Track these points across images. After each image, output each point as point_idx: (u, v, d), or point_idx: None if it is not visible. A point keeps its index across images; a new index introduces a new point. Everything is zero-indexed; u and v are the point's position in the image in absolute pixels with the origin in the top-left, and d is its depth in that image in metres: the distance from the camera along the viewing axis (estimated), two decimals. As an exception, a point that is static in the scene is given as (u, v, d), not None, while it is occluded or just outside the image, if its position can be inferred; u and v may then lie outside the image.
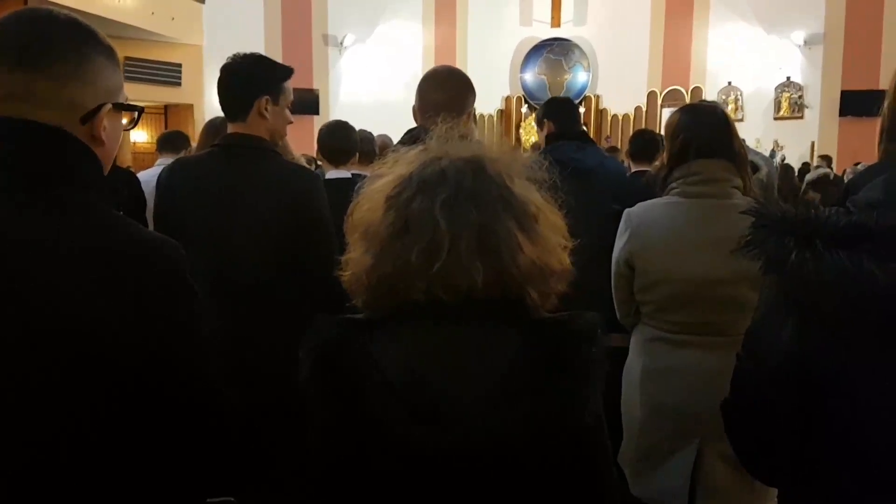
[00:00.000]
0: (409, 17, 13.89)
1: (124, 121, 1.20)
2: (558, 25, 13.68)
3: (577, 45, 13.67)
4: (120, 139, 1.19)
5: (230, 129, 2.28)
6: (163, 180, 2.32)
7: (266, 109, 2.22)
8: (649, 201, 2.17)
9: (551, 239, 1.04)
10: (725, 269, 1.94)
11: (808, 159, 11.77)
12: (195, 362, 1.12)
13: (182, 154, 3.87)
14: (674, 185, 2.11)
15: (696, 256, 2.02)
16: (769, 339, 1.01)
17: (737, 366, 1.13)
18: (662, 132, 2.48)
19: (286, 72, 2.32)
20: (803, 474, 1.01)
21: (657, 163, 4.16)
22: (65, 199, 1.04)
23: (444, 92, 2.18)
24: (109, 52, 1.13)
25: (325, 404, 1.03)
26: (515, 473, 0.98)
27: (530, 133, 13.22)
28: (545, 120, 3.25)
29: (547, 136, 3.19)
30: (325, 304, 2.27)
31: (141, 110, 1.25)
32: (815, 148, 12.30)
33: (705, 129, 2.10)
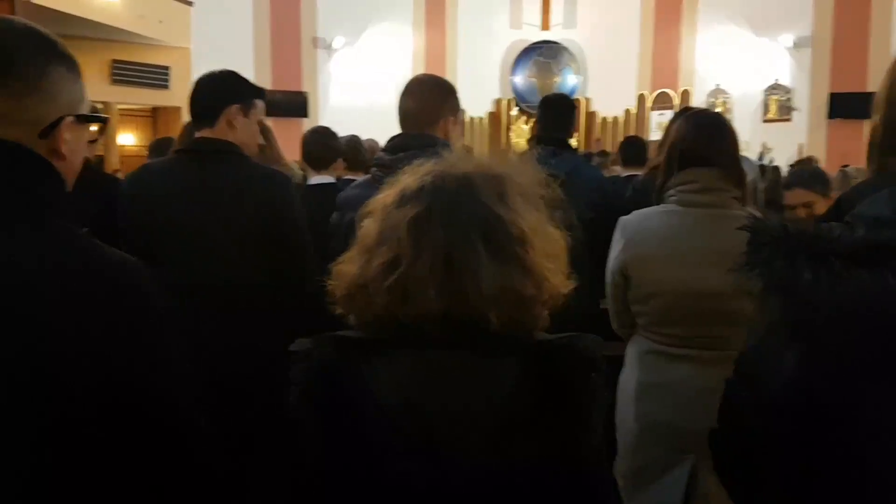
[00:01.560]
0: (399, 20, 13.87)
1: (93, 128, 1.17)
2: (548, 28, 13.70)
3: (566, 49, 13.69)
4: (83, 152, 1.15)
5: (197, 135, 2.25)
6: (127, 189, 2.25)
7: (235, 119, 2.21)
8: (645, 209, 2.11)
9: (537, 263, 1.01)
10: (723, 282, 1.85)
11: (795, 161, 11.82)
12: (160, 386, 1.06)
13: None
14: (671, 192, 2.06)
15: (692, 268, 1.96)
16: (768, 366, 0.93)
17: (727, 393, 1.05)
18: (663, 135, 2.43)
19: (259, 90, 2.34)
20: None
21: (645, 168, 4.20)
22: (20, 218, 1.00)
23: (414, 100, 2.15)
24: (70, 63, 1.09)
25: (317, 430, 1.01)
26: None
27: (520, 136, 13.23)
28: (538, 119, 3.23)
29: (527, 141, 3.19)
30: (303, 311, 2.26)
31: (105, 121, 1.21)
32: (804, 150, 12.36)
33: (705, 137, 2.04)
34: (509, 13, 13.94)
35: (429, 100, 2.15)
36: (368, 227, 1.05)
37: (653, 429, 2.07)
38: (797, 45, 12.82)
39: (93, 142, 1.25)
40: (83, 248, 1.03)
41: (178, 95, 11.50)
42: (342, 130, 3.75)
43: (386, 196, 1.07)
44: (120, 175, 6.13)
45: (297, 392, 1.01)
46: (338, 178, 3.56)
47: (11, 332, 0.94)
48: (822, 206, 2.77)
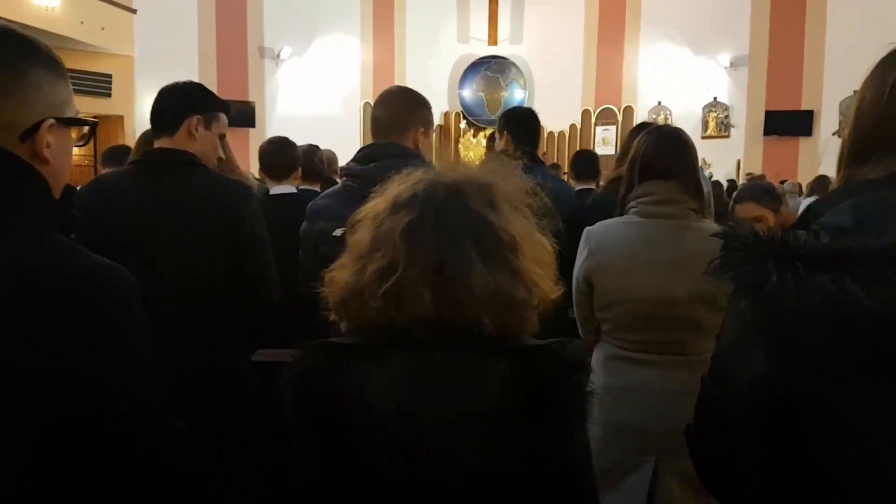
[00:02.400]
0: (347, 31, 13.86)
1: (74, 136, 1.13)
2: (495, 43, 13.86)
3: (513, 63, 13.87)
4: (71, 156, 1.12)
5: (156, 144, 2.22)
6: (83, 201, 2.19)
7: (196, 130, 2.19)
8: (608, 220, 2.19)
9: (527, 268, 1.04)
10: (681, 290, 2.01)
11: (733, 176, 12.17)
12: (138, 396, 1.03)
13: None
14: (632, 204, 2.14)
15: (652, 276, 2.04)
16: (739, 365, 0.98)
17: (703, 391, 1.10)
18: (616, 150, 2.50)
19: (224, 104, 2.32)
20: (769, 499, 0.99)
21: (602, 182, 4.31)
22: None
23: (385, 108, 2.18)
24: (51, 64, 1.06)
25: (307, 434, 1.02)
26: None
27: (469, 148, 13.33)
28: (504, 131, 3.22)
29: (503, 153, 3.16)
30: (262, 326, 2.23)
31: (93, 125, 1.16)
32: (741, 166, 12.76)
33: (666, 151, 2.13)
34: (457, 28, 14.06)
35: (399, 109, 2.18)
36: (361, 235, 1.07)
37: (617, 430, 2.11)
38: (734, 64, 13.25)
39: (79, 146, 1.20)
40: (54, 252, 1.00)
41: (120, 104, 11.28)
42: (289, 141, 3.74)
43: (376, 204, 1.09)
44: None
45: (289, 398, 1.02)
46: (298, 189, 3.55)
47: None
48: (772, 221, 2.84)
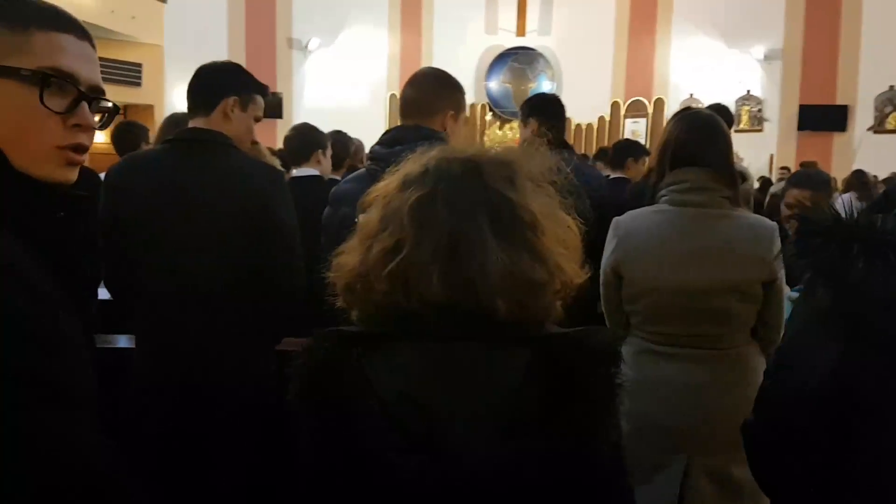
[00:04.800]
0: (375, 23, 13.83)
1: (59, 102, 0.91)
2: (523, 34, 13.75)
3: (541, 55, 13.75)
4: (33, 119, 0.90)
5: (190, 124, 2.19)
6: (112, 180, 2.17)
7: (232, 111, 2.16)
8: (638, 209, 2.12)
9: (549, 249, 0.97)
10: (713, 280, 1.93)
11: (766, 171, 11.98)
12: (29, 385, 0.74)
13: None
14: (663, 192, 2.06)
15: (682, 266, 1.97)
16: (807, 358, 0.92)
17: (764, 385, 1.03)
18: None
19: (261, 87, 2.29)
20: (828, 501, 0.95)
21: (632, 172, 4.26)
22: None
23: (414, 89, 2.13)
24: None
25: (315, 427, 0.97)
26: None
27: (494, 141, 13.25)
28: (530, 118, 3.12)
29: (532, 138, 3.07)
30: (287, 314, 2.22)
31: (39, 75, 0.89)
32: (774, 160, 12.55)
33: (698, 137, 2.05)
34: (484, 18, 13.96)
35: (429, 90, 2.13)
36: (369, 215, 1.01)
37: (644, 426, 2.03)
38: (768, 57, 13.01)
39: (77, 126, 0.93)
40: None
41: (150, 93, 11.36)
42: (316, 132, 3.73)
43: (388, 183, 1.03)
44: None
45: (296, 388, 0.97)
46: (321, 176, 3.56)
47: None
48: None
